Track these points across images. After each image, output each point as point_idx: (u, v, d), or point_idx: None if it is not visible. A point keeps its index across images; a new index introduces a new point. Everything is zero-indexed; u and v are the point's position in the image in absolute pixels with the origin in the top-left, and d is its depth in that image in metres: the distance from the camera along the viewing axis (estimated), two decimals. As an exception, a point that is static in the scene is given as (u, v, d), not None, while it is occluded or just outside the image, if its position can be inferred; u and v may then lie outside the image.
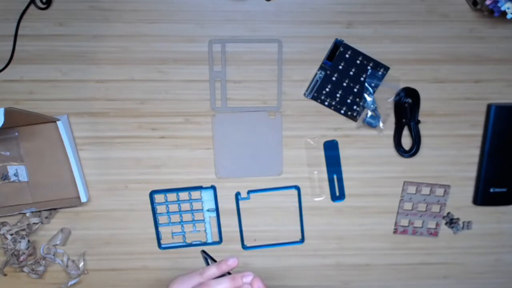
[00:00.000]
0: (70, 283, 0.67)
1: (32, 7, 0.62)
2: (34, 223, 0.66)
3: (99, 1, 0.63)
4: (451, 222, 0.69)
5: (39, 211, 0.66)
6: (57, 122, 0.61)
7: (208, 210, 0.68)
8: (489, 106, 0.66)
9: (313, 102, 0.66)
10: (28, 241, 0.65)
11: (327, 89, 0.66)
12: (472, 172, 0.69)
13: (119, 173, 0.67)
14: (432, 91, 0.66)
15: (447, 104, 0.67)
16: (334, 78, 0.66)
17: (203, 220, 0.68)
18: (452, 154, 0.68)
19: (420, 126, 0.67)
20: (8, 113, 0.51)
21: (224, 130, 0.66)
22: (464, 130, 0.68)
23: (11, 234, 0.65)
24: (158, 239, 0.68)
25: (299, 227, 0.69)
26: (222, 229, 0.68)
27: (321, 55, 0.65)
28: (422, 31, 0.65)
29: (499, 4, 0.58)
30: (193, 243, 0.69)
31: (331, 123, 0.67)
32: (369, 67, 0.65)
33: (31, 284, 0.68)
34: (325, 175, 0.68)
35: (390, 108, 0.67)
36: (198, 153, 0.67)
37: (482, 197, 0.68)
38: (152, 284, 0.70)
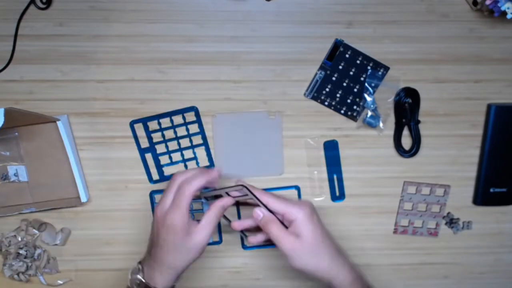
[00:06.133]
0: (60, 282, 0.67)
1: (32, 7, 0.62)
2: (34, 223, 0.66)
3: (99, 1, 0.63)
4: (451, 222, 0.69)
5: (39, 211, 0.66)
6: (57, 122, 0.61)
7: (208, 210, 0.68)
8: (489, 106, 0.66)
9: (313, 102, 0.66)
10: (28, 241, 0.65)
11: (327, 89, 0.66)
12: (472, 172, 0.69)
13: (119, 173, 0.66)
14: (432, 91, 0.66)
15: (447, 104, 0.67)
16: (334, 78, 0.66)
17: (203, 220, 0.68)
18: (452, 154, 0.68)
19: (420, 126, 0.67)
20: (8, 113, 0.51)
21: (224, 130, 0.66)
22: (464, 130, 0.67)
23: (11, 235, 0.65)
24: (158, 239, 0.68)
25: (299, 227, 0.69)
26: (222, 229, 0.68)
27: (321, 55, 0.65)
28: (422, 31, 0.65)
29: (499, 4, 0.58)
30: (193, 243, 0.69)
31: (331, 123, 0.67)
32: (369, 67, 0.65)
33: (29, 284, 0.68)
34: (325, 175, 0.68)
35: (390, 108, 0.67)
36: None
37: (482, 197, 0.68)
38: (152, 284, 0.69)
